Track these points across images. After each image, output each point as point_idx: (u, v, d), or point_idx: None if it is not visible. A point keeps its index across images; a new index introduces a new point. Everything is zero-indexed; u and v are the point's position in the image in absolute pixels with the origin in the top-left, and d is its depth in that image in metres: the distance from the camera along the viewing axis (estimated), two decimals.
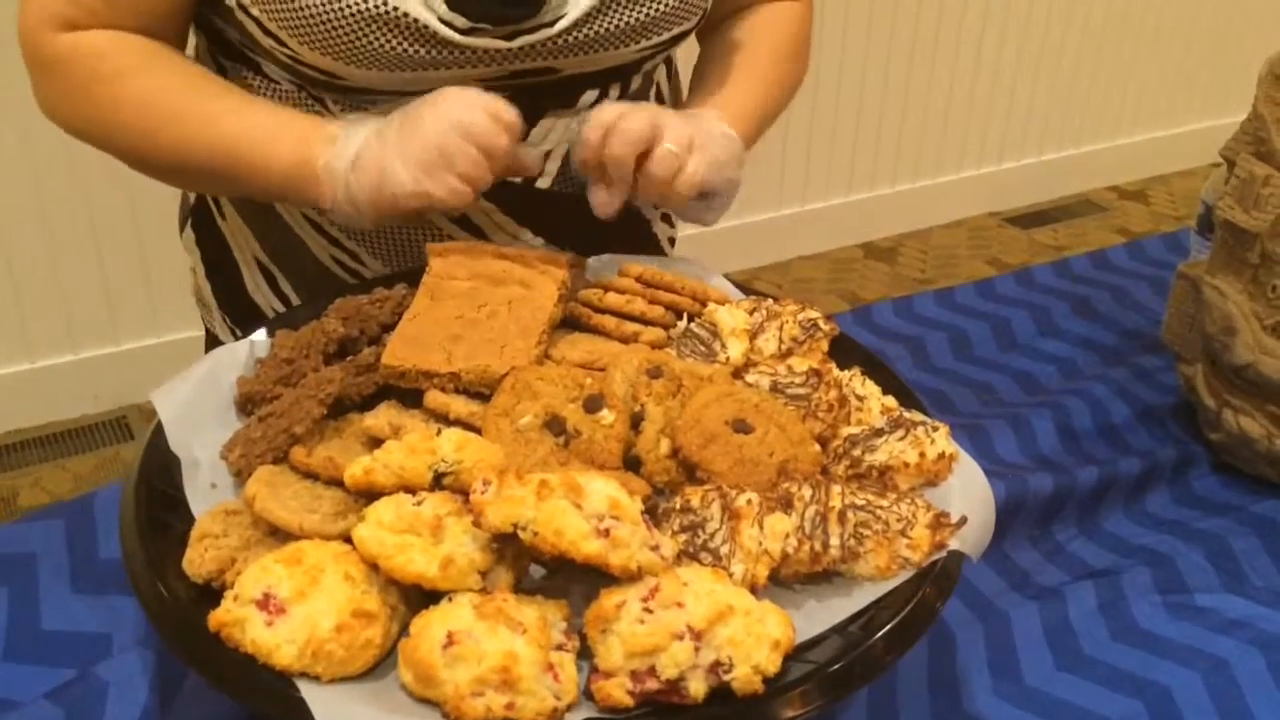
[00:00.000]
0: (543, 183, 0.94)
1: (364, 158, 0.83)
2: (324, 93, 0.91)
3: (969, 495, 0.73)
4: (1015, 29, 3.31)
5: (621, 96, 0.96)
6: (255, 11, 0.86)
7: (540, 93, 0.91)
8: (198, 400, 0.79)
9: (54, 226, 2.29)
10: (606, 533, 0.60)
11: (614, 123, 0.85)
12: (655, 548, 0.62)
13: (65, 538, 0.92)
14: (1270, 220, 0.98)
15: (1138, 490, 1.07)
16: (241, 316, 1.05)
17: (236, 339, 1.03)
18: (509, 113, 0.83)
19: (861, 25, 3.03)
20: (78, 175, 2.24)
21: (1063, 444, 1.11)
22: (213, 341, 1.11)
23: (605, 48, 0.90)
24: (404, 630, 0.61)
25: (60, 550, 0.91)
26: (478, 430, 0.73)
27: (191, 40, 0.97)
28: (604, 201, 0.89)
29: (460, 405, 0.74)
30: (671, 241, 1.13)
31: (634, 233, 1.05)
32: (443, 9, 0.83)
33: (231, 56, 0.95)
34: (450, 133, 0.81)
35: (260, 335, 0.86)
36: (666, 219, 1.10)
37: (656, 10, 0.90)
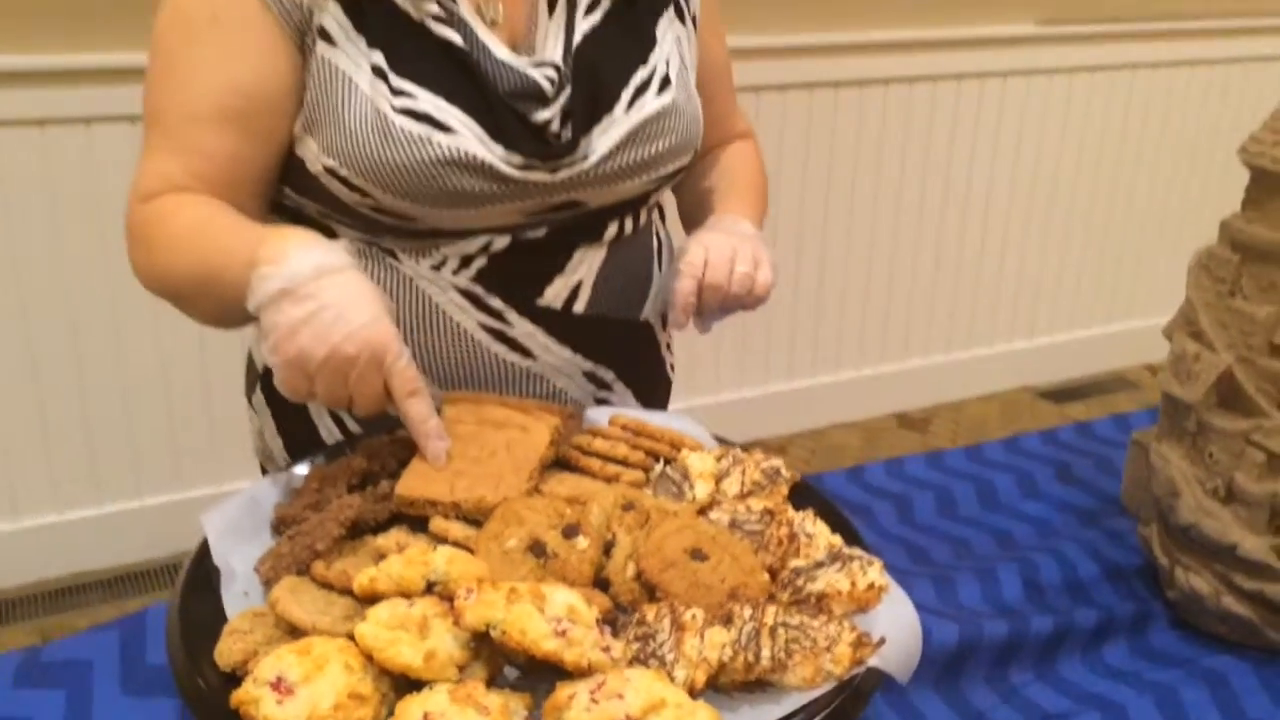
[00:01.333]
0: (579, 307, 1.12)
1: (277, 310, 0.92)
2: (394, 241, 1.08)
3: (894, 621, 0.83)
4: (1050, 205, 3.47)
5: (634, 228, 1.15)
6: (344, 173, 1.03)
7: (572, 227, 1.10)
8: (239, 521, 0.92)
9: (129, 380, 2.48)
10: (564, 633, 0.71)
11: (702, 271, 1.10)
12: (606, 649, 0.73)
13: (119, 647, 1.05)
14: (1202, 392, 1.09)
15: (1095, 641, 1.15)
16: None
17: None
18: (410, 384, 0.93)
19: (892, 196, 3.20)
20: (156, 333, 2.45)
21: (1026, 595, 1.19)
22: None
23: (624, 180, 1.10)
24: (391, 712, 0.72)
25: (114, 657, 1.04)
26: (471, 551, 0.85)
27: None
28: (681, 323, 1.14)
29: (458, 530, 0.87)
30: (672, 368, 1.32)
31: (651, 354, 1.24)
32: (500, 151, 1.03)
33: (301, 223, 1.11)
34: (335, 365, 0.91)
35: (300, 469, 1.00)
36: (669, 348, 1.30)
37: (663, 147, 1.11)
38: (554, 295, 1.10)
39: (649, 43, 1.12)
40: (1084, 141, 3.42)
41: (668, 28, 1.14)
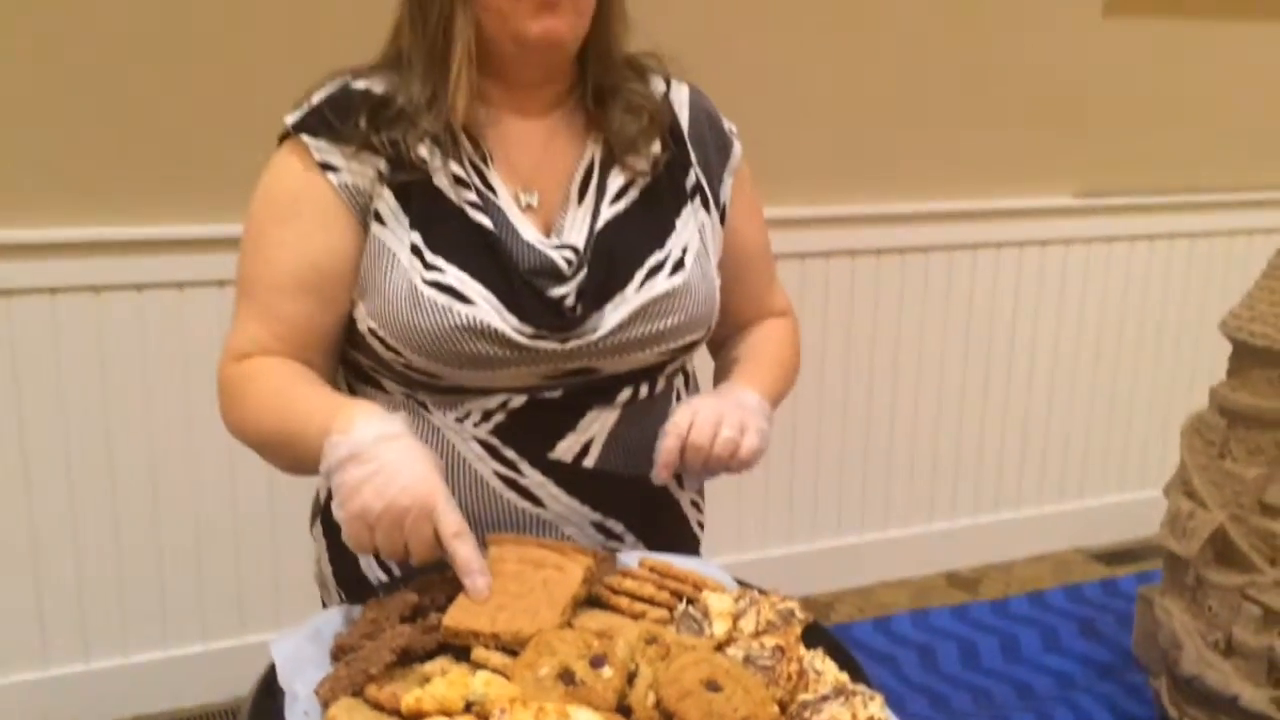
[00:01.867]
0: (588, 462, 1.23)
1: (344, 472, 1.07)
2: (425, 395, 1.22)
3: None
4: (1096, 368, 3.51)
5: (649, 394, 1.26)
6: (381, 334, 1.19)
7: (586, 390, 1.22)
8: (303, 648, 1.03)
9: (202, 527, 2.60)
10: None
11: (686, 432, 1.17)
12: None
13: None
14: (1198, 548, 1.16)
15: None
16: (353, 591, 1.31)
17: None
18: (454, 527, 1.05)
19: (937, 358, 3.28)
20: (232, 484, 2.59)
21: None
22: None
23: (632, 351, 1.22)
24: None
25: None
26: (508, 677, 0.94)
27: None
28: (663, 480, 1.21)
29: (497, 659, 0.96)
30: (700, 526, 1.38)
31: (667, 510, 1.32)
32: (515, 322, 1.17)
33: (361, 379, 1.28)
34: (392, 516, 1.04)
35: (359, 607, 1.11)
36: (695, 505, 1.37)
37: (670, 324, 1.23)
38: (565, 450, 1.22)
39: (667, 229, 1.26)
40: (1126, 305, 3.51)
41: (690, 216, 1.28)
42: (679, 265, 1.24)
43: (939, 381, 3.32)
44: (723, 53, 2.77)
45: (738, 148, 1.35)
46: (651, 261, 1.23)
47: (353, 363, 1.28)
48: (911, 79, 3.06)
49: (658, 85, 1.31)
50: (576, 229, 1.23)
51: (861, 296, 3.14)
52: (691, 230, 1.27)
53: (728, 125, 1.36)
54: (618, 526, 1.27)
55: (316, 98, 1.22)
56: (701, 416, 1.19)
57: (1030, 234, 3.29)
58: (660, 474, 1.21)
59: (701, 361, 1.39)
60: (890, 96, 3.05)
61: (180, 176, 2.42)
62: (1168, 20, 3.32)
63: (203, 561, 2.62)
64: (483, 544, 1.19)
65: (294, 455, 1.17)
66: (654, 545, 1.29)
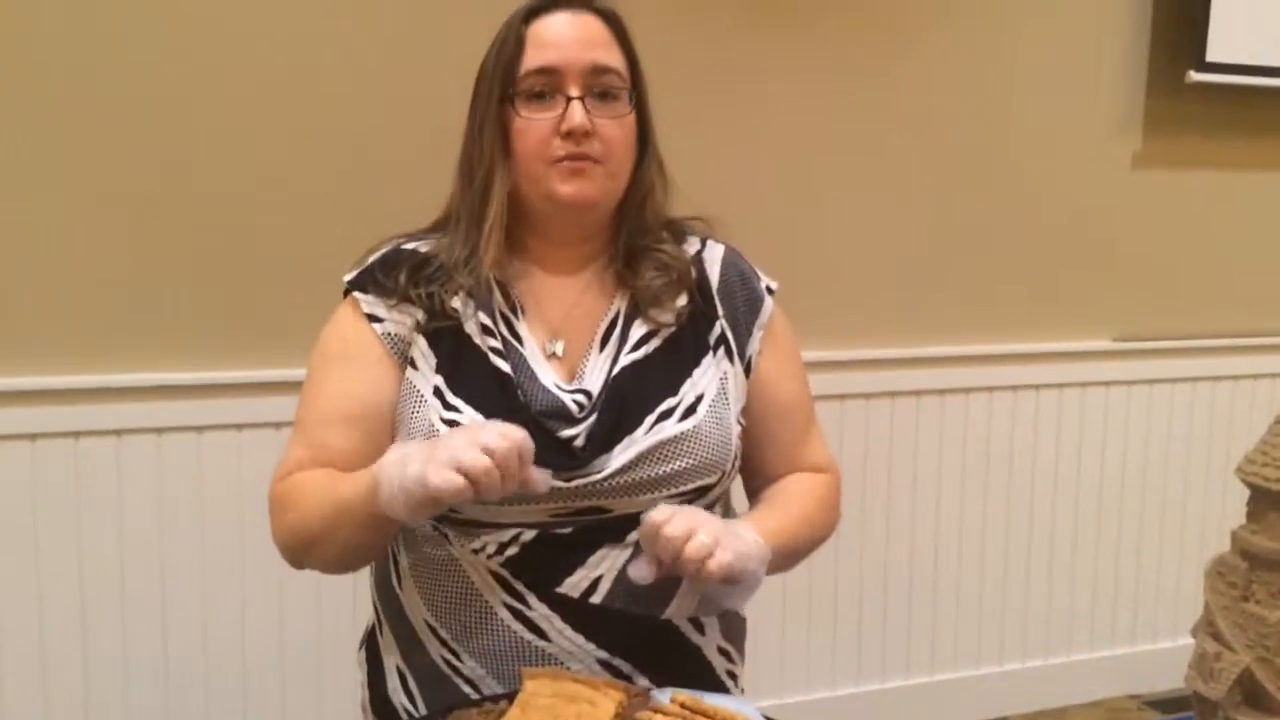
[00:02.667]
0: (596, 598, 1.25)
1: (395, 454, 1.14)
2: (447, 527, 1.28)
3: None
4: (1145, 511, 3.50)
5: None
6: None
7: (596, 529, 1.27)
8: None
9: (250, 667, 2.65)
10: None
11: (662, 523, 1.16)
12: None
13: None
14: (1225, 690, 1.17)
15: None
16: (385, 717, 1.35)
17: None
18: (518, 432, 1.10)
19: (979, 500, 3.29)
20: (280, 629, 2.63)
21: None
22: None
23: (640, 493, 1.26)
24: None
25: None
26: None
27: None
28: (642, 574, 1.18)
29: None
30: (732, 675, 1.38)
31: (683, 654, 1.32)
32: None
33: None
34: (461, 440, 1.09)
35: None
36: (725, 654, 1.37)
37: (678, 467, 1.26)
38: (572, 585, 1.27)
39: (683, 376, 1.32)
40: (1170, 447, 3.51)
41: (711, 365, 1.34)
42: (691, 410, 1.29)
43: (981, 525, 3.31)
44: (765, 206, 2.89)
45: (769, 303, 1.41)
46: (663, 406, 1.29)
47: None
48: (950, 226, 3.16)
49: (692, 245, 1.39)
50: (595, 375, 1.30)
51: (900, 438, 3.17)
52: (711, 379, 1.32)
53: (766, 283, 1.42)
54: (625, 665, 1.29)
55: (371, 259, 1.33)
56: (680, 517, 1.17)
57: (1069, 377, 3.33)
58: (636, 575, 1.18)
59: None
60: (929, 244, 3.14)
61: (248, 327, 2.55)
62: (1194, 172, 3.41)
63: (249, 698, 2.65)
64: (512, 673, 1.24)
65: (349, 523, 1.20)
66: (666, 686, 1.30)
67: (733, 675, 1.40)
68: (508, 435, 1.09)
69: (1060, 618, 3.46)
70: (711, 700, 1.16)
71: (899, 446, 3.17)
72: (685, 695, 1.15)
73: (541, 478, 1.15)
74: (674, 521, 1.16)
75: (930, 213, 3.14)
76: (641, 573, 1.19)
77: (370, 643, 1.43)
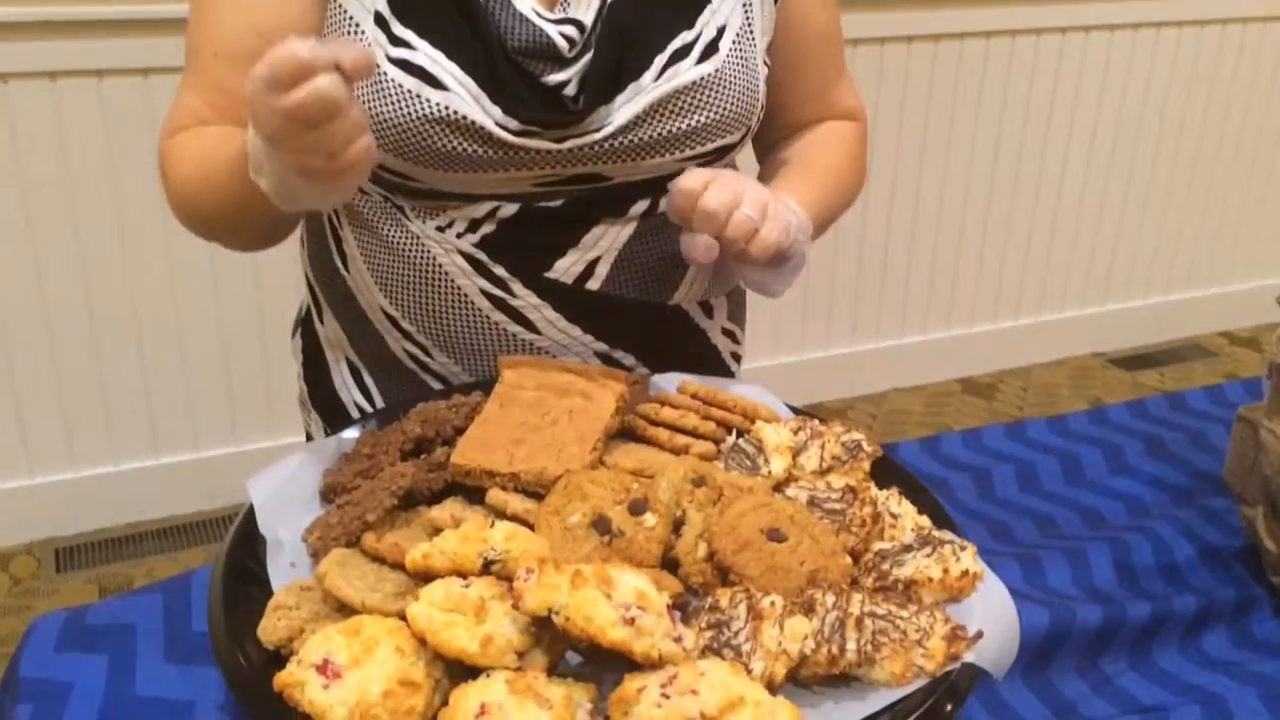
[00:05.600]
0: (593, 284, 1.03)
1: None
2: (403, 199, 1.02)
3: (990, 613, 0.76)
4: (1123, 169, 3.34)
5: None
6: None
7: (593, 200, 1.01)
8: (287, 488, 0.87)
9: (185, 333, 2.47)
10: (632, 621, 0.65)
11: (699, 193, 0.92)
12: (678, 639, 0.67)
13: (163, 612, 1.01)
14: None
15: (1194, 629, 1.08)
16: (330, 413, 1.15)
17: (326, 436, 1.13)
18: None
19: (963, 160, 3.09)
20: (215, 288, 2.43)
21: (1118, 578, 1.12)
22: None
23: (648, 156, 0.99)
24: (445, 701, 0.67)
25: (158, 623, 1.00)
26: (531, 526, 0.79)
27: None
28: (700, 253, 0.93)
29: (517, 503, 0.81)
30: (735, 357, 1.19)
31: (688, 340, 1.12)
32: (498, 114, 0.95)
33: None
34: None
35: (349, 434, 0.95)
36: (729, 335, 1.17)
37: (697, 122, 1.00)
38: (564, 269, 1.02)
39: (699, 4, 1.02)
40: (1164, 103, 3.29)
41: None
42: (711, 49, 1.01)
43: (967, 182, 3.13)
44: None
45: None
46: (677, 44, 1.00)
47: None
48: None
49: None
50: (585, 2, 1.00)
51: (887, 89, 2.90)
52: (733, 6, 1.03)
53: None
54: (627, 359, 1.08)
55: None
56: (719, 182, 0.93)
57: (1060, 20, 3.03)
58: (694, 253, 0.94)
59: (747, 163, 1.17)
60: None
61: None
62: None
63: (190, 367, 2.50)
64: (492, 370, 1.03)
65: (238, 194, 0.90)
66: None
67: (736, 357, 1.20)
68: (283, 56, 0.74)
69: (1033, 278, 3.37)
70: (728, 389, 0.96)
71: (885, 97, 2.91)
72: (696, 384, 0.96)
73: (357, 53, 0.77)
74: (713, 190, 0.92)
75: None
76: (699, 252, 0.93)
77: (306, 330, 1.20)
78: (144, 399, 2.50)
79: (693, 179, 0.93)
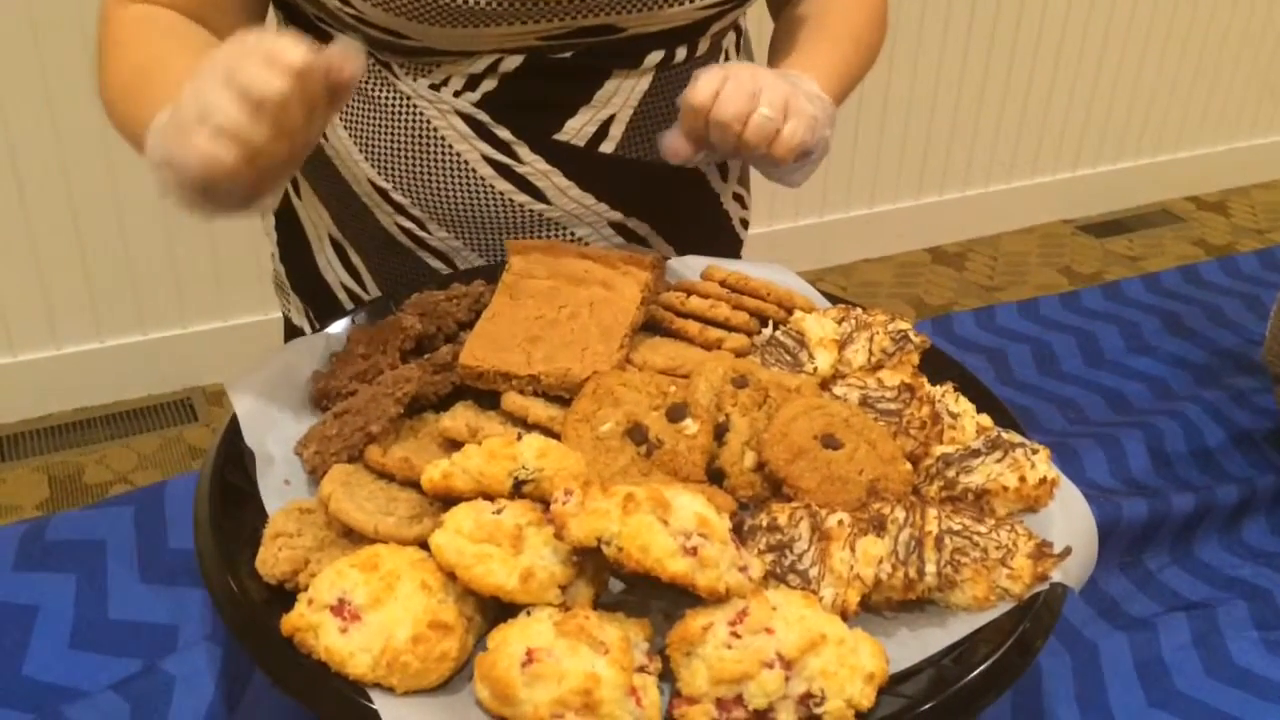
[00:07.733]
0: (607, 147, 0.92)
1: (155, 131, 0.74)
2: (390, 56, 0.90)
3: (1071, 524, 0.69)
4: (1091, 34, 3.23)
5: (688, 59, 0.94)
6: None
7: (605, 52, 0.89)
8: (273, 394, 0.77)
9: (126, 209, 2.31)
10: (694, 551, 0.57)
11: (710, 104, 0.81)
12: (743, 569, 0.59)
13: (135, 526, 0.92)
14: None
15: (1234, 519, 1.03)
16: (313, 296, 1.04)
17: (310, 321, 1.02)
18: (292, 53, 0.66)
19: (936, 28, 2.97)
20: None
21: (1154, 467, 1.07)
22: (290, 328, 1.10)
23: (664, 4, 0.88)
24: (479, 643, 0.59)
25: (129, 538, 0.91)
26: (556, 435, 0.70)
27: (272, 15, 0.97)
28: (678, 150, 0.85)
29: (539, 409, 0.72)
30: (744, 223, 1.10)
31: (702, 207, 1.02)
32: None
33: (305, 29, 0.93)
34: (214, 83, 0.68)
35: (337, 328, 0.85)
36: (739, 199, 1.08)
37: None
38: (575, 129, 0.90)
39: None
40: None
41: None
42: None
43: (937, 51, 3.01)
44: None
45: None
46: None
47: (295, 7, 0.94)
48: None
49: None
50: None
51: None
52: None
53: None
54: (642, 227, 0.98)
55: None
56: (733, 84, 0.83)
57: None
58: (670, 153, 0.86)
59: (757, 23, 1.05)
60: None
61: None
62: None
63: (131, 246, 2.35)
64: (499, 245, 0.92)
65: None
66: (684, 249, 1.00)
67: (745, 223, 1.11)
68: (276, 60, 0.66)
69: (1004, 145, 3.28)
70: (757, 274, 0.87)
71: None
72: (723, 270, 0.86)
73: (346, 60, 0.69)
74: (725, 98, 0.81)
75: None
76: (677, 147, 0.84)
77: (280, 206, 1.07)
78: (84, 280, 2.35)
79: (701, 91, 0.81)
